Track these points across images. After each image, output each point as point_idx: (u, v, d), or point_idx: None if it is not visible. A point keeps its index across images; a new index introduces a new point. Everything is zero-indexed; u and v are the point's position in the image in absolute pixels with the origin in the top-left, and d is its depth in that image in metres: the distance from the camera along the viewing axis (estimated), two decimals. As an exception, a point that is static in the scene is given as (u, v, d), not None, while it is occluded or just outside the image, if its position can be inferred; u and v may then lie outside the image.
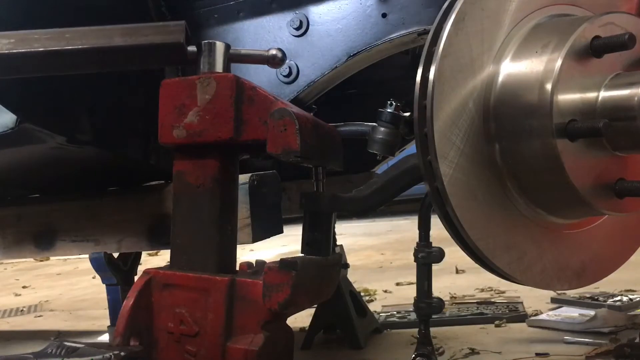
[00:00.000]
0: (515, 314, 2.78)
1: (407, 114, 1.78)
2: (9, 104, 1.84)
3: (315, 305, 2.57)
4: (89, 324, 3.62)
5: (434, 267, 1.78)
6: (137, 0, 2.11)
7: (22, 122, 1.87)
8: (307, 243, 1.60)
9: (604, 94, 1.36)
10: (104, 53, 1.55)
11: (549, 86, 1.33)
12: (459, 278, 3.90)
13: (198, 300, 1.48)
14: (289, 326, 1.54)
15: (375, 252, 5.76)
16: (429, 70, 1.38)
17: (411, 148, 1.70)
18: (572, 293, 2.82)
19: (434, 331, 2.02)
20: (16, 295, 5.11)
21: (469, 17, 1.39)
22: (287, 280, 1.40)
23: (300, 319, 2.60)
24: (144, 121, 2.15)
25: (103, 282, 2.54)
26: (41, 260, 6.92)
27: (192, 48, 1.56)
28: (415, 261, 1.79)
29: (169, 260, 1.58)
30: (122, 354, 1.43)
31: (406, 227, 6.94)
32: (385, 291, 3.74)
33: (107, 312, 2.54)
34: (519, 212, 1.45)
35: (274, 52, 1.67)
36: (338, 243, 2.43)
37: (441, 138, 1.36)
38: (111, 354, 1.42)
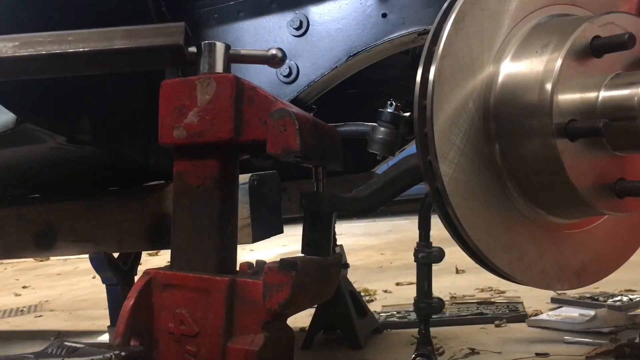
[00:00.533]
0: (515, 314, 2.78)
1: (407, 114, 1.78)
2: (8, 104, 1.83)
3: (315, 305, 2.57)
4: (89, 324, 3.61)
5: (434, 267, 1.78)
6: (137, 1, 2.12)
7: (22, 122, 1.87)
8: (307, 243, 1.60)
9: (604, 94, 1.36)
10: (106, 55, 1.55)
11: (549, 86, 1.33)
12: (459, 278, 3.90)
13: (198, 301, 1.48)
14: (289, 326, 1.55)
15: (375, 252, 5.76)
16: (429, 70, 1.38)
17: (411, 148, 1.70)
18: (572, 293, 2.82)
19: (434, 331, 2.02)
20: (16, 295, 5.11)
21: (469, 17, 1.39)
22: (287, 281, 1.40)
23: (300, 319, 2.60)
24: (144, 121, 2.15)
25: (103, 282, 2.53)
26: (41, 260, 6.92)
27: (192, 49, 1.56)
28: (415, 261, 1.79)
29: (169, 260, 1.58)
30: (123, 354, 1.43)
31: (406, 227, 6.94)
32: (385, 291, 3.74)
33: (107, 312, 2.54)
34: (519, 212, 1.45)
35: (274, 52, 1.67)
36: (338, 243, 2.43)
37: (441, 138, 1.36)
38: (111, 354, 1.42)
